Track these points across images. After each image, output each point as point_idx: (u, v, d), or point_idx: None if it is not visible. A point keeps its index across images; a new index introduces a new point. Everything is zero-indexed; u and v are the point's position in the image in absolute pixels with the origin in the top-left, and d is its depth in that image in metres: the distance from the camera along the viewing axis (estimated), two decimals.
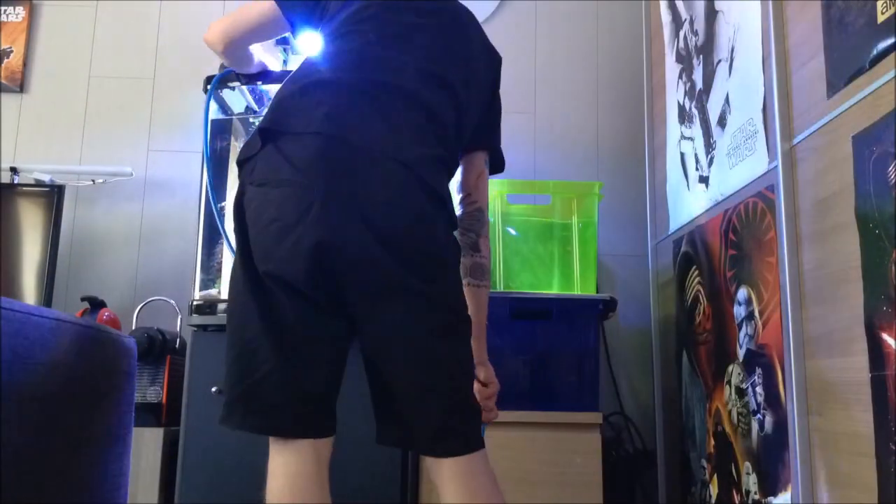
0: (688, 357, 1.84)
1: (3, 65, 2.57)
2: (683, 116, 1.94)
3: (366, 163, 1.11)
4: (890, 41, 1.06)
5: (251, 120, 2.11)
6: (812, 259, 1.27)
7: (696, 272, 1.79)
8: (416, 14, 1.29)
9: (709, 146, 1.76)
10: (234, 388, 1.15)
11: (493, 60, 1.42)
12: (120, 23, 2.63)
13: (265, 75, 1.79)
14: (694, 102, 1.86)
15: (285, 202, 1.10)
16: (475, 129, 1.35)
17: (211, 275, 2.00)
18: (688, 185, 1.89)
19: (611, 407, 2.25)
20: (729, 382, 1.56)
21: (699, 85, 1.82)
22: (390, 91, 1.18)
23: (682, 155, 1.94)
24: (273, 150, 1.14)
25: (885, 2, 1.08)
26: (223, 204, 2.03)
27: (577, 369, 1.83)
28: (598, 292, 1.93)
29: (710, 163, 1.75)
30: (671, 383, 1.97)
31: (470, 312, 1.21)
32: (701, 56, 1.82)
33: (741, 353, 1.51)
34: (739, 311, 1.52)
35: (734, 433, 1.54)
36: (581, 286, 1.94)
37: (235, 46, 1.51)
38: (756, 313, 1.45)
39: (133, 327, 2.16)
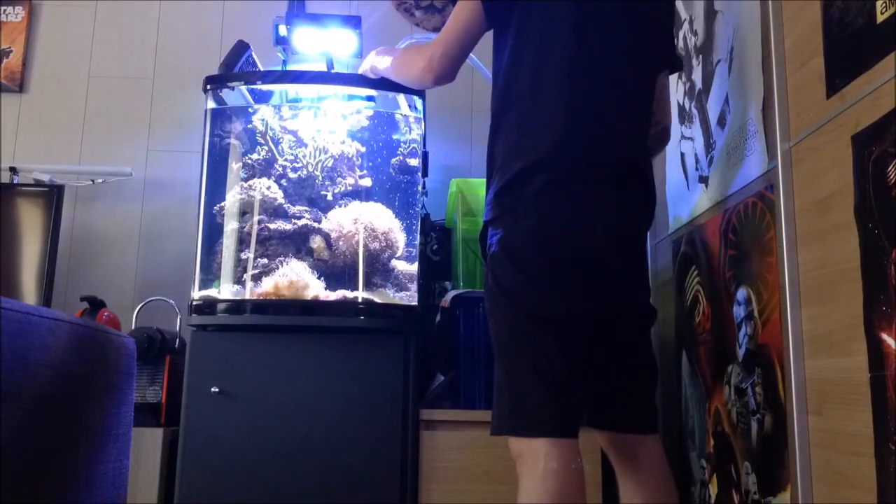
0: (687, 357, 1.84)
1: (2, 65, 2.57)
2: (683, 116, 1.94)
3: None
4: (890, 41, 1.06)
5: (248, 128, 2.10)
6: (811, 259, 1.27)
7: (696, 272, 1.78)
8: None
9: (709, 146, 1.76)
10: None
11: None
12: (120, 23, 2.63)
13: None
14: (694, 102, 1.86)
15: None
16: None
17: (210, 275, 1.99)
18: (687, 185, 1.89)
19: None
20: (728, 382, 1.56)
21: (699, 85, 1.81)
22: None
23: (682, 155, 1.94)
24: None
25: (885, 2, 1.08)
26: (222, 204, 2.03)
27: None
28: None
29: (710, 163, 1.75)
30: (671, 383, 1.97)
31: None
32: (700, 56, 1.82)
33: (741, 353, 1.51)
34: (739, 311, 1.52)
35: (734, 433, 1.54)
36: None
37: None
38: (755, 313, 1.44)
39: (133, 327, 2.16)
